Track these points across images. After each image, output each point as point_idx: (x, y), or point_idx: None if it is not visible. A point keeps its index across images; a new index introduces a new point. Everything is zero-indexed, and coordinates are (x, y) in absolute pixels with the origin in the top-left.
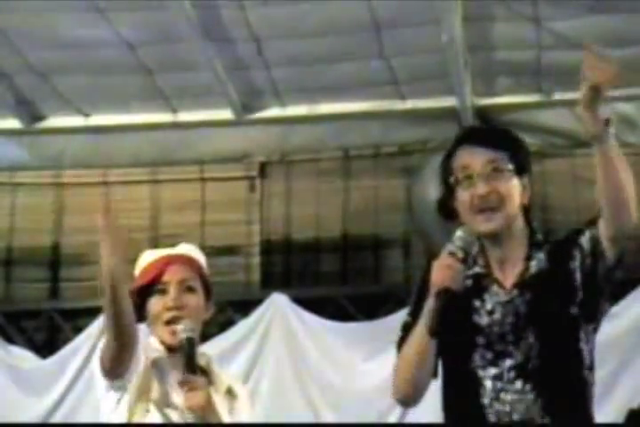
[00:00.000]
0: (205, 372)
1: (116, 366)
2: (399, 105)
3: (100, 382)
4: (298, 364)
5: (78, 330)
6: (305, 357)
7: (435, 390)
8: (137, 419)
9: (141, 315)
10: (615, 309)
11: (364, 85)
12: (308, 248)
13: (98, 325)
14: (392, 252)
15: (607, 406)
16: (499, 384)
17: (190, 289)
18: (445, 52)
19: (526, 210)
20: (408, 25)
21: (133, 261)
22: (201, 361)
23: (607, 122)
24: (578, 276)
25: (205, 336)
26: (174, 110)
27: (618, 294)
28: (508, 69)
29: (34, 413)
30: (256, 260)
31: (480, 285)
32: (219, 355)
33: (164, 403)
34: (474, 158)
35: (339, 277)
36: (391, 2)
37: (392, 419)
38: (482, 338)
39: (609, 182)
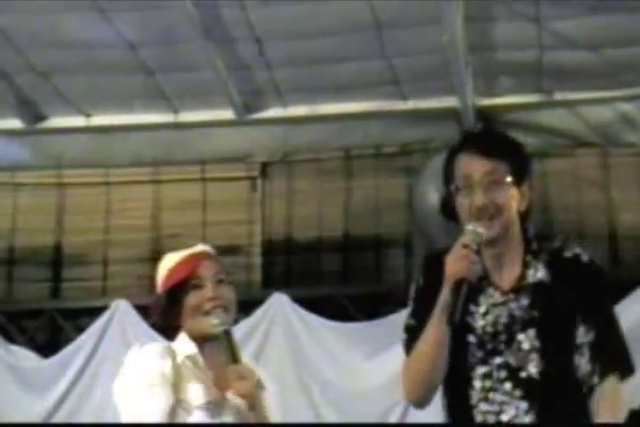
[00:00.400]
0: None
1: None
2: (400, 105)
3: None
4: (299, 363)
5: (80, 330)
6: (306, 356)
7: None
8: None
9: (172, 314)
10: (615, 308)
11: (366, 86)
12: (309, 248)
13: (99, 324)
14: (393, 252)
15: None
16: (488, 383)
17: (223, 282)
18: (446, 53)
19: (524, 216)
20: (409, 25)
21: (134, 261)
22: None
23: None
24: (577, 292)
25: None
26: (176, 110)
27: (618, 294)
28: (508, 69)
29: (35, 412)
30: (257, 260)
31: (476, 287)
32: None
33: (198, 400)
34: (473, 169)
35: (340, 277)
36: (392, 2)
37: (393, 418)
38: (473, 337)
39: None
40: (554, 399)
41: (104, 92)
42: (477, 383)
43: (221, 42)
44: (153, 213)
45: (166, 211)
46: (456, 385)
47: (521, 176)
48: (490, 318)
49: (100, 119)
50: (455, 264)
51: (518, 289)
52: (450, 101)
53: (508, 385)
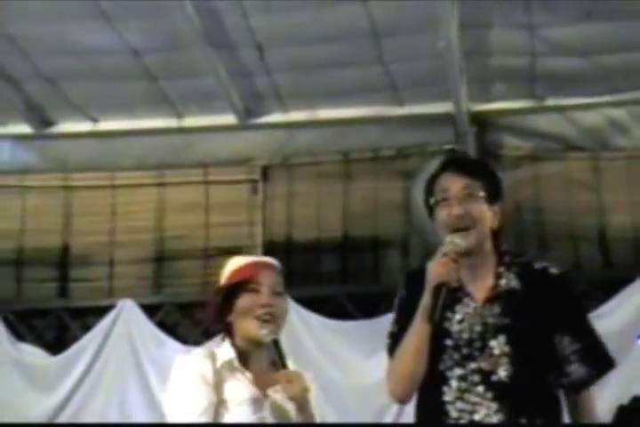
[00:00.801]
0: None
1: None
2: (397, 110)
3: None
4: (298, 361)
5: (86, 328)
6: (306, 354)
7: None
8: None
9: (225, 310)
10: (606, 307)
11: (364, 91)
12: (308, 249)
13: (105, 323)
14: (391, 252)
15: (598, 403)
16: (463, 385)
17: (280, 294)
18: (442, 59)
19: (496, 234)
20: (406, 32)
21: (139, 261)
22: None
23: None
24: (550, 302)
25: (208, 334)
26: (179, 115)
27: (608, 293)
28: (502, 75)
29: (42, 409)
30: None
31: (452, 297)
32: None
33: (238, 397)
34: (453, 183)
35: (339, 277)
36: (390, 10)
37: (390, 415)
38: (450, 341)
39: None
40: (523, 401)
41: (110, 98)
42: (454, 383)
43: (223, 48)
44: (157, 215)
45: (170, 213)
46: (434, 384)
47: (494, 195)
48: (465, 325)
49: (105, 124)
50: (436, 269)
51: (492, 298)
52: (445, 106)
53: (480, 388)
